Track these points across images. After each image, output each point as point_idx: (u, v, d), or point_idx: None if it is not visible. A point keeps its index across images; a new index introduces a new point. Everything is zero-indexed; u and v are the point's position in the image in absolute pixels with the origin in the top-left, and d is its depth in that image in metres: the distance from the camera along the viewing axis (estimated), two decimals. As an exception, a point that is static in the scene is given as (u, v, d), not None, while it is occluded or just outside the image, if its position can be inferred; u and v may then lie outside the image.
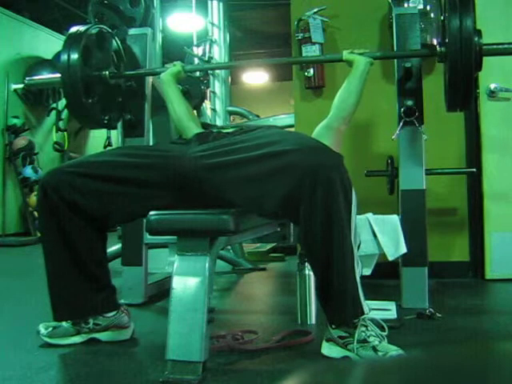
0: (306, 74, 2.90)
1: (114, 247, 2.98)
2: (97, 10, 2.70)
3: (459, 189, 2.87)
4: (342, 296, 1.49)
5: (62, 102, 6.07)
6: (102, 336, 1.78)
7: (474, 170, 2.63)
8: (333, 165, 1.43)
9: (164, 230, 1.54)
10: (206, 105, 4.38)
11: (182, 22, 6.55)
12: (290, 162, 1.43)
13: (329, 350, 1.56)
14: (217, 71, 4.55)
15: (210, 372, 1.43)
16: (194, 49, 4.60)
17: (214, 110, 4.59)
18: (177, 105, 2.03)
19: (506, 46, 1.93)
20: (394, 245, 2.17)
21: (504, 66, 2.73)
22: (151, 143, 2.58)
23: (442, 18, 1.95)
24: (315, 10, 2.86)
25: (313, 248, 1.49)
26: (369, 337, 1.50)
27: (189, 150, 1.65)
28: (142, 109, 2.43)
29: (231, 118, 5.37)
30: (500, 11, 2.80)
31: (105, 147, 6.35)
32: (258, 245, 4.14)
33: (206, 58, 4.30)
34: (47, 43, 6.57)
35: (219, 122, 4.56)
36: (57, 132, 6.21)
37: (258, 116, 5.19)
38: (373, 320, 1.57)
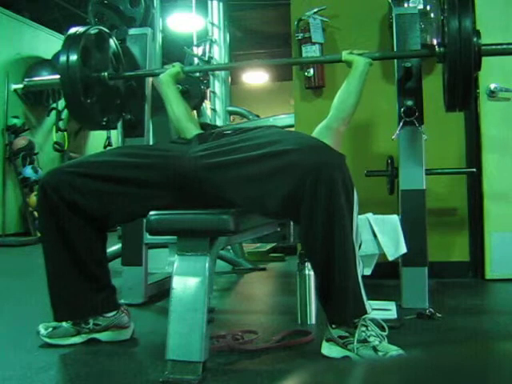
0: (306, 74, 2.90)
1: (113, 247, 2.98)
2: (97, 9, 2.70)
3: (459, 189, 2.87)
4: (342, 295, 1.49)
5: (62, 102, 6.07)
6: (102, 336, 1.78)
7: (474, 170, 2.63)
8: (335, 164, 1.43)
9: (164, 230, 1.54)
10: (206, 105, 4.38)
11: (182, 22, 6.55)
12: (291, 162, 1.43)
13: (329, 349, 1.56)
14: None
15: (210, 372, 1.43)
16: (194, 49, 4.60)
17: (214, 109, 4.59)
18: (175, 106, 2.03)
19: (504, 46, 1.93)
20: (394, 245, 2.17)
21: (504, 66, 2.73)
22: (151, 143, 2.58)
23: (442, 18, 1.95)
24: (315, 10, 2.86)
25: (314, 247, 1.49)
26: (369, 337, 1.50)
27: (189, 150, 1.65)
28: (141, 109, 2.43)
29: (231, 117, 5.37)
30: (500, 11, 2.80)
31: (105, 147, 6.35)
32: (258, 245, 4.14)
33: (206, 58, 4.30)
34: (47, 43, 6.57)
35: (219, 122, 4.56)
36: (57, 132, 6.21)
37: (258, 116, 5.19)
38: (373, 320, 1.57)
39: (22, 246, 5.26)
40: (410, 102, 2.19)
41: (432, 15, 2.78)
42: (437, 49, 1.96)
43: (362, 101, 1.98)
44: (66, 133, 6.28)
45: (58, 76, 2.06)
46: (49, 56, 6.36)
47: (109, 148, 5.87)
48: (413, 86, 2.22)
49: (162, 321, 1.77)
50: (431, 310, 2.02)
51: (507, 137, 2.81)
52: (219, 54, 4.62)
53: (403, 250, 2.16)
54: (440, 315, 1.99)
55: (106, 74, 2.16)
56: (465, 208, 2.88)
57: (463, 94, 1.85)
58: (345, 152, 1.53)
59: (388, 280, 2.51)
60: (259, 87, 10.20)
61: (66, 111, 5.93)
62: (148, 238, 2.30)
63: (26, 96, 6.24)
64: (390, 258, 2.18)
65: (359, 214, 1.54)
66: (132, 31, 2.51)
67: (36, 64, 6.32)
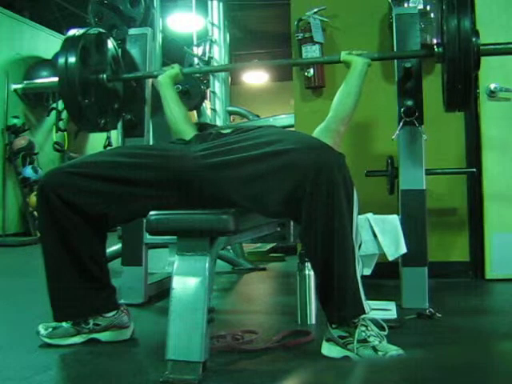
0: (306, 74, 2.90)
1: (114, 247, 2.98)
2: (97, 9, 2.70)
3: (459, 189, 2.87)
4: (342, 295, 1.49)
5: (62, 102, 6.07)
6: (102, 336, 1.78)
7: (474, 170, 2.63)
8: (335, 164, 1.43)
9: (164, 230, 1.54)
10: (206, 105, 4.38)
11: (182, 22, 6.55)
12: (291, 161, 1.43)
13: (329, 350, 1.56)
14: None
15: (210, 372, 1.43)
16: (194, 49, 4.59)
17: (213, 109, 4.59)
18: (174, 108, 2.05)
19: (503, 45, 1.93)
20: (394, 245, 2.17)
21: (504, 66, 2.73)
22: (151, 143, 2.58)
23: (440, 17, 1.95)
24: (315, 10, 2.86)
25: (314, 247, 1.49)
26: (369, 337, 1.50)
27: (189, 150, 1.65)
28: (141, 109, 2.43)
29: (231, 118, 5.37)
30: (499, 10, 2.79)
31: (105, 147, 6.35)
32: (258, 245, 4.14)
33: (206, 58, 4.30)
34: (47, 43, 6.57)
35: (219, 122, 4.56)
36: (57, 132, 6.21)
37: (258, 116, 5.19)
38: (373, 320, 1.57)
39: (21, 246, 5.26)
40: (409, 102, 2.19)
41: (432, 15, 2.78)
42: (436, 49, 1.96)
43: (361, 101, 1.98)
44: (65, 133, 6.28)
45: (56, 78, 2.06)
46: (49, 56, 6.36)
47: (109, 148, 5.86)
48: (413, 85, 2.22)
49: (161, 321, 1.77)
50: (431, 310, 2.02)
51: (507, 137, 2.81)
52: (219, 54, 4.62)
53: (403, 249, 2.16)
54: (440, 315, 1.99)
55: (104, 76, 2.16)
56: (465, 208, 2.88)
57: (463, 94, 1.85)
58: (345, 152, 1.53)
59: (388, 280, 2.51)
60: (259, 87, 10.20)
61: (66, 111, 5.93)
62: (148, 237, 2.30)
63: (26, 96, 6.24)
64: (390, 258, 2.18)
65: (359, 214, 1.55)
66: (132, 31, 2.51)
67: (36, 64, 6.32)
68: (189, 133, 1.90)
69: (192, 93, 3.31)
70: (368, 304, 1.52)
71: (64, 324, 1.76)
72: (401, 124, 2.19)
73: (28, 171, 6.01)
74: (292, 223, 2.31)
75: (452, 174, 2.71)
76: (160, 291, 2.56)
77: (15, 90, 6.09)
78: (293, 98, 3.05)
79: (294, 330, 1.85)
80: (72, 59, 2.00)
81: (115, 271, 2.16)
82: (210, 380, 1.40)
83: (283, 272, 3.34)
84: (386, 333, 1.55)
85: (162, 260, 3.17)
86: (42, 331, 1.76)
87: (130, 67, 2.41)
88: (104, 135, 6.50)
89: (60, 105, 6.28)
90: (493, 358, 0.41)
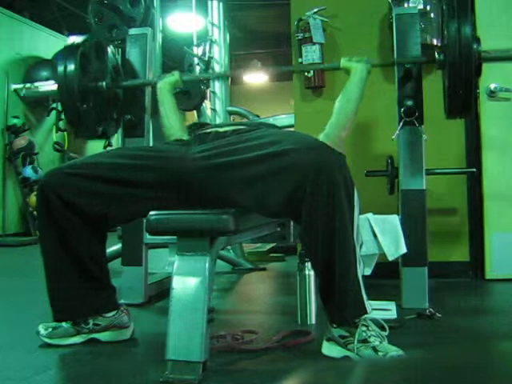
0: (306, 74, 2.90)
1: (114, 247, 2.98)
2: (97, 9, 2.70)
3: (459, 189, 2.87)
4: (343, 295, 1.49)
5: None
6: (102, 336, 1.78)
7: (474, 170, 2.62)
8: (335, 164, 1.43)
9: (164, 230, 1.54)
10: (206, 105, 4.38)
11: (182, 22, 6.55)
12: (291, 162, 1.43)
13: (329, 349, 1.56)
14: (217, 70, 4.55)
15: (210, 372, 1.43)
16: (194, 49, 4.59)
17: (213, 109, 4.59)
18: (170, 116, 2.07)
19: (504, 52, 1.93)
20: (394, 245, 2.17)
21: (504, 66, 2.72)
22: (151, 144, 2.58)
23: (441, 23, 1.95)
24: (315, 10, 2.86)
25: (314, 247, 1.49)
26: (369, 337, 1.50)
27: (188, 151, 1.65)
28: (141, 109, 2.43)
29: (231, 117, 5.37)
30: (500, 11, 2.79)
31: (105, 147, 6.33)
32: (258, 245, 4.14)
33: (206, 58, 4.30)
34: (47, 43, 6.57)
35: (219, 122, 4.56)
36: (57, 132, 6.19)
37: (257, 116, 5.19)
38: (374, 320, 1.57)
39: (21, 246, 5.26)
40: (409, 102, 2.19)
41: (432, 15, 2.78)
42: (436, 56, 1.96)
43: (362, 100, 1.98)
44: (65, 133, 6.27)
45: (55, 87, 2.07)
46: (49, 56, 6.36)
47: (109, 148, 5.86)
48: (413, 86, 2.22)
49: (161, 321, 1.77)
50: (431, 310, 2.01)
51: (507, 137, 2.81)
52: (219, 54, 4.62)
53: (403, 249, 2.16)
54: (440, 315, 1.99)
55: (104, 83, 2.16)
56: (465, 208, 2.88)
57: (464, 102, 1.84)
58: (345, 152, 1.53)
59: (388, 280, 2.51)
60: (259, 87, 10.19)
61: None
62: (148, 238, 2.30)
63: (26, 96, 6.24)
64: (390, 258, 2.18)
65: (360, 214, 1.55)
66: (132, 31, 2.51)
67: (36, 64, 6.32)
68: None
69: (192, 93, 3.32)
70: (369, 304, 1.52)
71: (64, 324, 1.76)
72: (401, 124, 2.19)
73: (28, 171, 6.01)
74: (292, 223, 2.30)
75: (452, 174, 2.71)
76: (160, 291, 2.56)
77: (15, 90, 6.09)
78: (293, 97, 3.05)
79: (294, 330, 1.85)
80: (71, 67, 2.01)
81: (115, 271, 2.16)
82: (210, 380, 1.40)
83: (283, 272, 3.34)
84: (386, 333, 1.55)
85: (162, 260, 3.17)
86: (42, 331, 1.76)
87: (130, 70, 2.41)
88: (104, 135, 6.48)
89: (60, 105, 6.28)
90: (493, 357, 0.41)
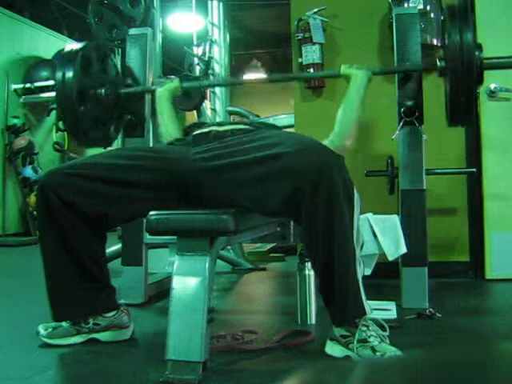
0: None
1: (113, 247, 2.98)
2: (97, 9, 2.70)
3: (459, 189, 2.87)
4: (342, 296, 1.49)
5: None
6: (102, 336, 1.78)
7: (474, 169, 2.62)
8: (334, 165, 1.43)
9: (164, 230, 1.54)
10: (206, 105, 4.38)
11: (182, 22, 6.55)
12: (291, 163, 1.44)
13: (332, 348, 1.57)
14: (217, 70, 4.55)
15: (210, 372, 1.43)
16: (194, 49, 4.60)
17: (214, 109, 4.59)
18: (169, 124, 2.07)
19: (506, 59, 1.93)
20: (394, 245, 2.17)
21: (504, 66, 2.72)
22: (151, 144, 2.58)
23: (442, 28, 1.95)
24: (315, 10, 2.86)
25: (314, 247, 1.49)
26: (369, 337, 1.50)
27: (188, 152, 1.65)
28: (141, 109, 2.43)
29: (231, 117, 5.37)
30: (499, 11, 2.79)
31: (105, 148, 6.33)
32: (258, 245, 4.14)
33: (206, 58, 4.30)
34: (47, 43, 6.57)
35: (219, 123, 4.55)
36: (57, 132, 6.20)
37: (258, 116, 5.19)
38: (374, 320, 1.57)
39: (21, 246, 5.26)
40: (409, 102, 2.19)
41: (432, 15, 2.78)
42: (438, 63, 1.95)
43: (363, 108, 1.97)
44: (65, 133, 6.26)
45: (53, 93, 2.08)
46: (49, 56, 6.36)
47: (109, 149, 5.86)
48: (413, 86, 2.22)
49: (161, 321, 1.77)
50: (431, 310, 2.01)
51: (507, 137, 2.81)
52: (219, 54, 4.62)
53: (403, 249, 2.16)
54: (440, 315, 1.99)
55: (103, 91, 2.16)
56: (465, 208, 2.88)
57: (465, 110, 1.83)
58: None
59: (388, 280, 2.51)
60: (259, 87, 10.17)
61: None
62: (148, 238, 2.30)
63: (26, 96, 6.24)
64: (390, 258, 2.18)
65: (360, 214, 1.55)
66: (132, 31, 2.51)
67: (36, 64, 6.32)
68: None
69: (192, 93, 3.31)
70: (369, 304, 1.52)
71: (64, 324, 1.76)
72: (401, 124, 2.19)
73: (28, 171, 6.01)
74: (292, 223, 2.31)
75: (452, 174, 2.71)
76: (160, 291, 2.56)
77: (15, 90, 6.09)
78: (293, 97, 3.05)
79: (294, 330, 1.84)
80: (69, 74, 2.01)
81: (115, 271, 2.16)
82: (210, 380, 1.40)
83: (283, 272, 3.34)
84: (387, 333, 1.55)
85: (162, 260, 3.17)
86: (42, 331, 1.76)
87: (130, 70, 2.40)
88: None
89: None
90: (493, 357, 0.41)
